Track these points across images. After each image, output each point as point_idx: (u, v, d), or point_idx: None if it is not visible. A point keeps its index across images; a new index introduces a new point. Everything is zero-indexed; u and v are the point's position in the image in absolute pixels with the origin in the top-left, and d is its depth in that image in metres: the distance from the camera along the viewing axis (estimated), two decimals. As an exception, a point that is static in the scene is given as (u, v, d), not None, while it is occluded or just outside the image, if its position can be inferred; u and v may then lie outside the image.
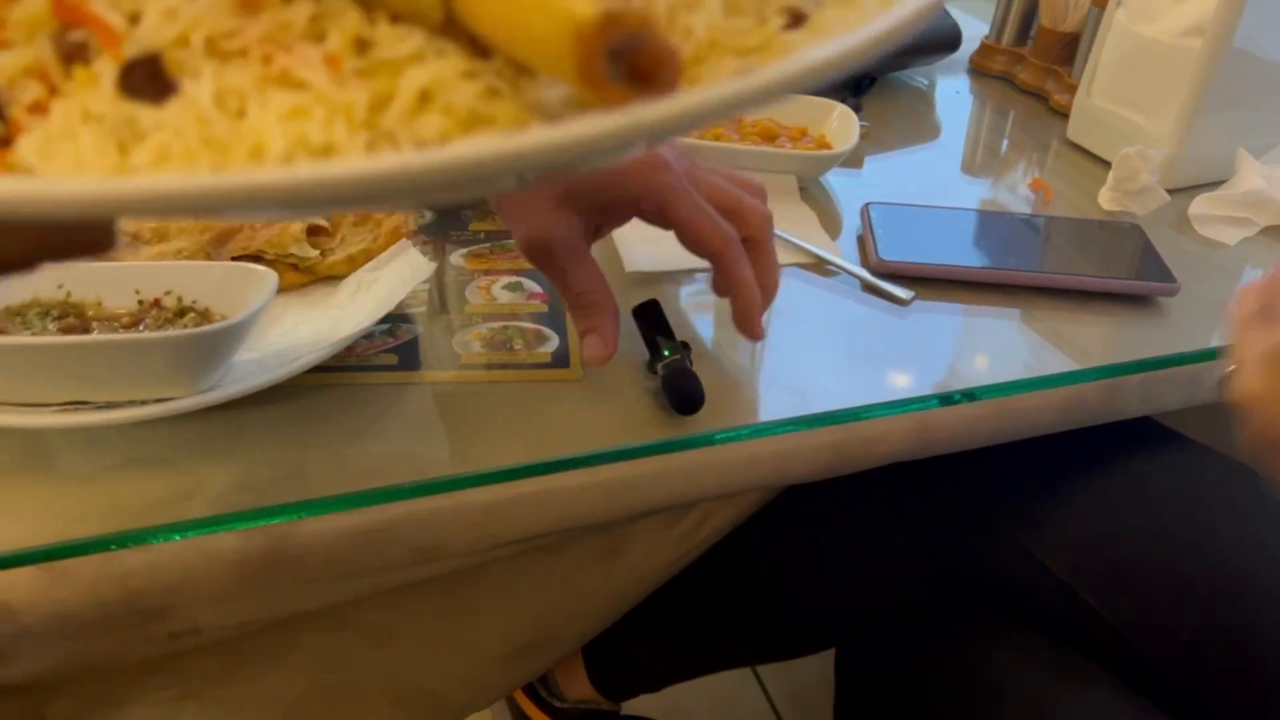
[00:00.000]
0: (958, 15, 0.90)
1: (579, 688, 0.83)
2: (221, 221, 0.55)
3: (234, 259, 0.53)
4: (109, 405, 0.42)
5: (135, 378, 0.42)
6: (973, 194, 0.74)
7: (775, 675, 1.16)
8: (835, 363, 0.54)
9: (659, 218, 0.47)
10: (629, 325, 0.51)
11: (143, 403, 0.42)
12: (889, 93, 0.88)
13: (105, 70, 0.26)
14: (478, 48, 0.26)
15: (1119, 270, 0.62)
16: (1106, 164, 0.73)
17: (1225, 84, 0.69)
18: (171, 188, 0.22)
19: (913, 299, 0.59)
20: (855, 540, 0.68)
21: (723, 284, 0.48)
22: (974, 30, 0.94)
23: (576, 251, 0.46)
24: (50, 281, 0.48)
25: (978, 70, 0.94)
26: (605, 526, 0.50)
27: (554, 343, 0.52)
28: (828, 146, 0.72)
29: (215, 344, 0.43)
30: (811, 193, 0.70)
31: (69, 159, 0.26)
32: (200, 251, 0.53)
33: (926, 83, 0.92)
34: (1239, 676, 0.53)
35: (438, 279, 0.57)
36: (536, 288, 0.57)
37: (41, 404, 0.42)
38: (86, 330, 0.47)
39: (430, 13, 0.26)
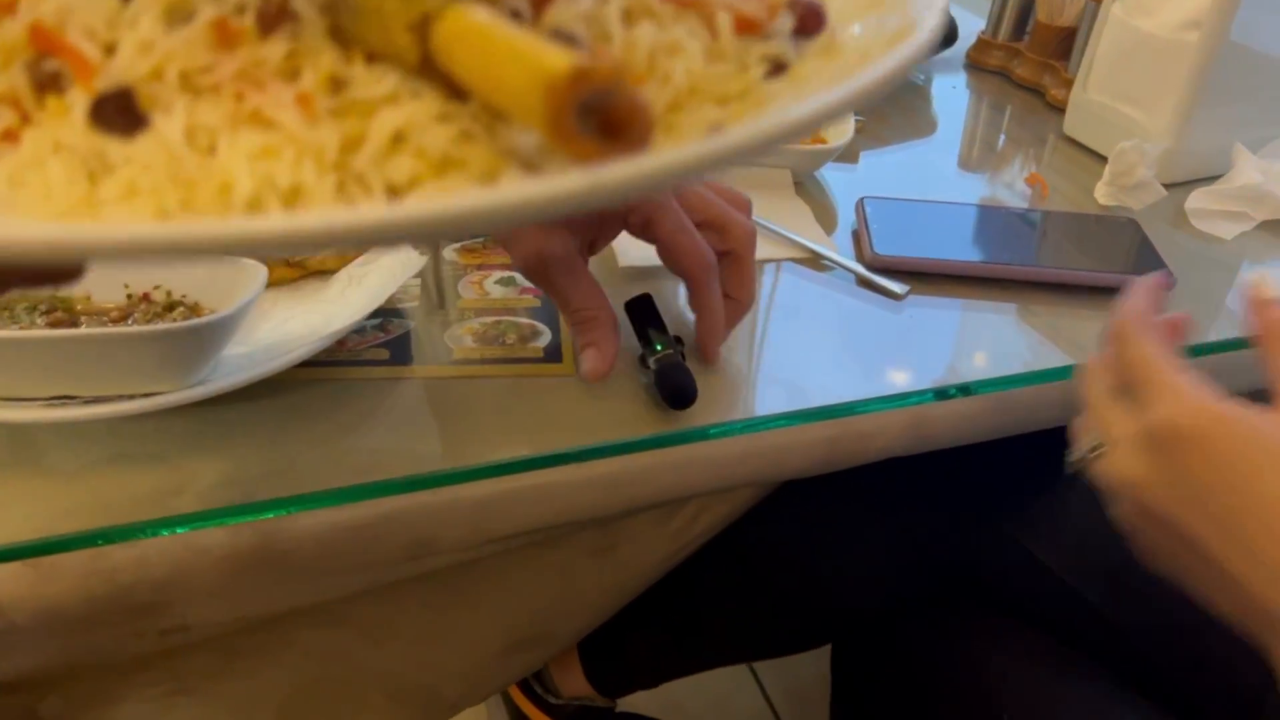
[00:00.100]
0: (954, 10, 0.90)
1: (574, 684, 0.82)
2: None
3: (225, 253, 0.52)
4: (97, 400, 0.42)
5: (124, 372, 0.42)
6: (969, 189, 0.74)
7: (772, 672, 1.16)
8: (830, 358, 0.54)
9: (644, 232, 0.48)
10: (622, 319, 0.51)
11: (131, 397, 0.42)
12: (885, 88, 0.88)
13: (78, 101, 0.26)
14: (454, 89, 0.26)
15: (1115, 265, 0.61)
16: (1103, 159, 0.73)
17: (1222, 78, 0.68)
18: (130, 236, 0.21)
19: (908, 294, 0.58)
20: (851, 537, 0.68)
21: (693, 304, 0.50)
22: (971, 25, 0.94)
23: (573, 268, 0.47)
24: (39, 276, 0.47)
25: (974, 65, 0.94)
26: (600, 522, 0.50)
27: (547, 337, 0.52)
28: (823, 141, 0.71)
29: (204, 338, 0.43)
30: (806, 187, 0.70)
31: (38, 188, 0.26)
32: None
33: (923, 78, 0.92)
34: (1237, 674, 0.53)
35: (430, 273, 0.57)
36: (529, 283, 0.57)
37: (29, 398, 0.42)
38: (75, 324, 0.46)
39: (406, 54, 0.26)
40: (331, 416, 0.46)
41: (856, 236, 0.64)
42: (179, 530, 0.40)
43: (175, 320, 0.47)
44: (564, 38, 0.27)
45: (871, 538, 0.68)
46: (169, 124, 0.25)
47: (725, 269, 0.49)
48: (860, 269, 0.60)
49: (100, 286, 0.48)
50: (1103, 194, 0.70)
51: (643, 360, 0.49)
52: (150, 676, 0.47)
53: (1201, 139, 0.71)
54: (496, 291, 0.56)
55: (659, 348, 0.49)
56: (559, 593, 0.56)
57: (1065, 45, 0.85)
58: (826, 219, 0.66)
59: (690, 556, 0.58)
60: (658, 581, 0.59)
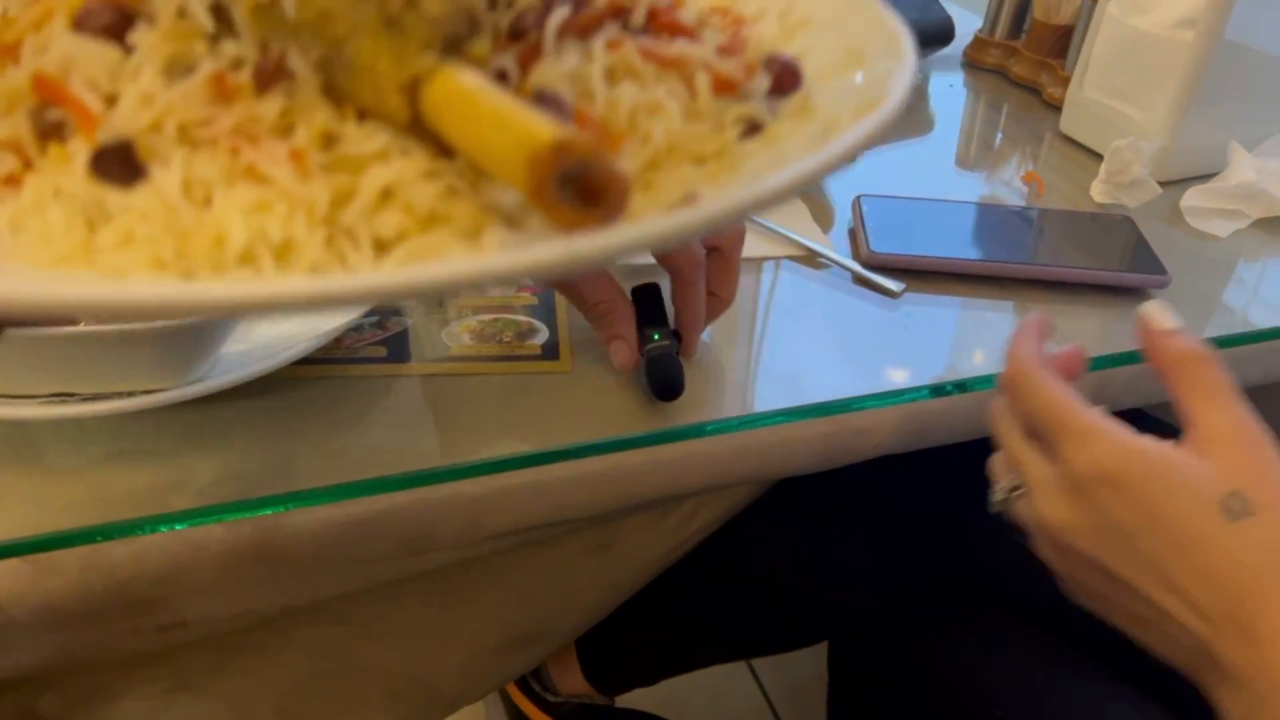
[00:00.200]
0: (951, 9, 0.90)
1: (572, 681, 0.83)
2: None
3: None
4: (96, 397, 0.42)
5: (122, 369, 0.42)
6: (966, 187, 0.74)
7: (770, 669, 1.16)
8: (826, 355, 0.54)
9: None
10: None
11: (130, 394, 0.42)
12: (882, 86, 0.88)
13: (79, 151, 0.27)
14: (441, 146, 0.27)
15: (1110, 262, 0.62)
16: (1099, 156, 0.73)
17: (1217, 76, 0.69)
18: (126, 298, 0.22)
19: (904, 291, 0.59)
20: (848, 534, 0.68)
21: (676, 299, 0.50)
22: (967, 24, 0.94)
23: None
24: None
25: (971, 64, 0.94)
26: (597, 519, 0.50)
27: (543, 335, 0.52)
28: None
29: (203, 335, 0.43)
30: (804, 185, 0.70)
31: (38, 233, 0.27)
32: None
33: (920, 77, 0.92)
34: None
35: (428, 271, 0.57)
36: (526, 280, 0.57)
37: (28, 395, 0.42)
38: (73, 321, 0.46)
39: (397, 113, 0.27)
40: (329, 413, 0.46)
41: (853, 234, 0.64)
42: (177, 527, 0.40)
43: (173, 318, 0.47)
44: (549, 99, 0.28)
45: (868, 535, 0.68)
46: (167, 177, 0.26)
47: (711, 265, 0.50)
48: (856, 267, 0.60)
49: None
50: (1099, 192, 0.70)
51: (639, 349, 0.50)
52: (149, 674, 0.47)
53: (1197, 137, 0.71)
54: (494, 289, 0.56)
55: (655, 338, 0.49)
56: (557, 590, 0.56)
57: (1062, 43, 0.85)
58: (823, 217, 0.66)
59: (688, 554, 0.58)
60: (655, 579, 0.59)
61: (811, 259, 0.61)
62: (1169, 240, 0.66)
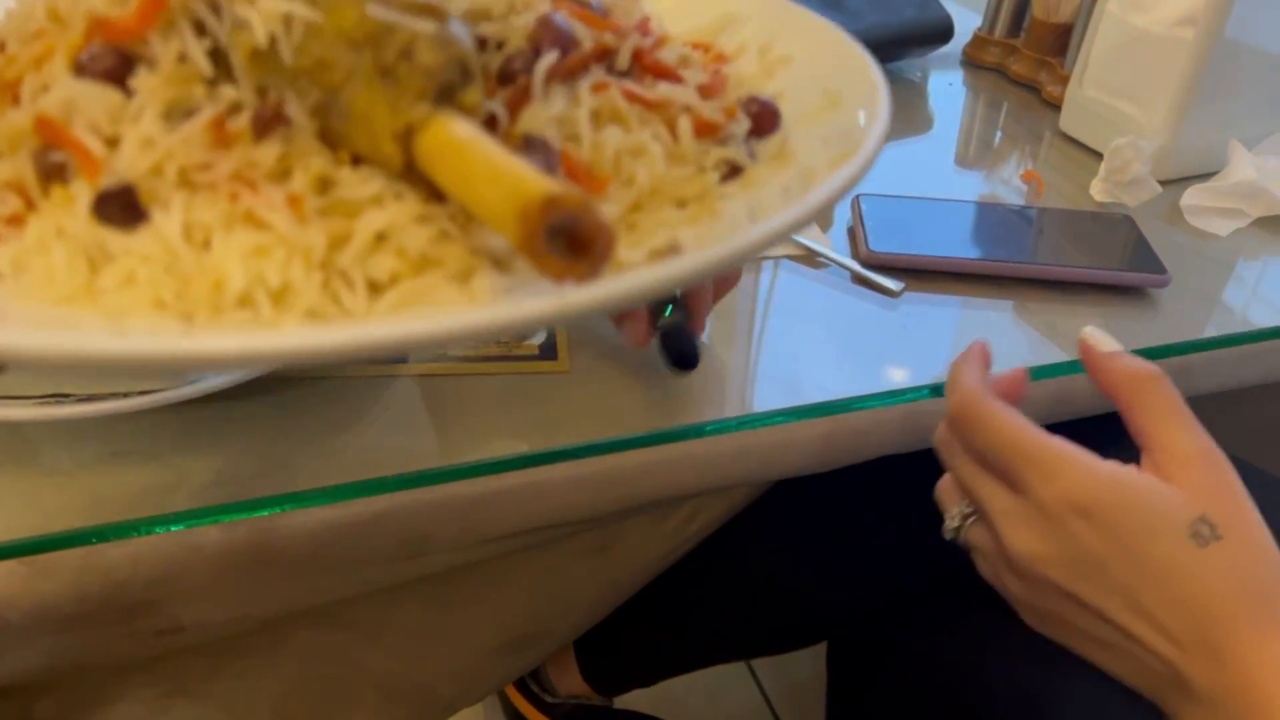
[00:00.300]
0: (950, 7, 0.90)
1: (571, 682, 0.82)
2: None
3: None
4: (91, 397, 0.42)
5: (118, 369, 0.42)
6: (965, 186, 0.74)
7: (770, 669, 1.16)
8: (825, 355, 0.54)
9: None
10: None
11: (125, 395, 0.42)
12: (881, 85, 0.88)
13: (82, 193, 0.27)
14: (433, 190, 0.28)
15: (1110, 261, 0.62)
16: (1098, 155, 0.73)
17: (1217, 74, 0.68)
18: (122, 352, 0.23)
19: (903, 290, 0.58)
20: (847, 534, 0.68)
21: None
22: (967, 22, 0.94)
23: None
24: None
25: (970, 62, 0.94)
26: (596, 521, 0.50)
27: (541, 335, 0.52)
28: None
29: (199, 336, 0.43)
30: (802, 184, 0.70)
31: (41, 273, 0.27)
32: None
33: (919, 75, 0.92)
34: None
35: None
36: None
37: (22, 396, 0.42)
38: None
39: (391, 160, 0.27)
40: (325, 414, 0.46)
41: (852, 233, 0.64)
42: (173, 528, 0.40)
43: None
44: (536, 144, 0.29)
45: (868, 535, 0.68)
46: (167, 221, 0.27)
47: None
48: (856, 266, 0.60)
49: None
50: (1098, 191, 0.70)
51: (650, 322, 0.49)
52: (145, 678, 0.47)
53: (1197, 135, 0.71)
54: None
55: (668, 311, 0.49)
56: (555, 592, 0.56)
57: (1061, 42, 0.85)
58: (822, 216, 0.66)
59: (687, 554, 0.58)
60: (654, 579, 0.59)
61: (810, 258, 0.61)
62: (1169, 239, 0.66)
